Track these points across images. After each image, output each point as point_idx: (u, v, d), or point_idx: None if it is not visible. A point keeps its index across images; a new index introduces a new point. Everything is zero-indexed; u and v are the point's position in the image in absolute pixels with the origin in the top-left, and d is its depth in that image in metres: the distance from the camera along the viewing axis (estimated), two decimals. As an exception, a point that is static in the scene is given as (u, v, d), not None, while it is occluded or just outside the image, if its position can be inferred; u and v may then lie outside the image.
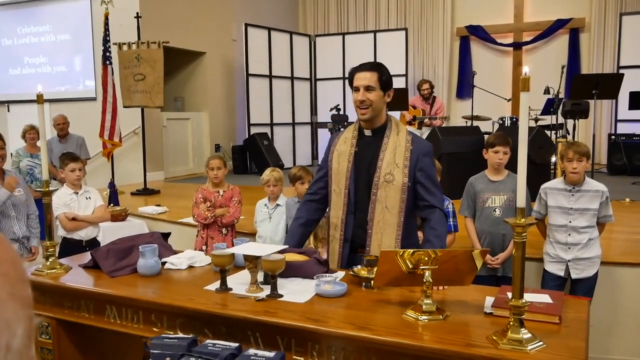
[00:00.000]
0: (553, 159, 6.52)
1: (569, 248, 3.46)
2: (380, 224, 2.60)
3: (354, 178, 2.69)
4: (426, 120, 8.64)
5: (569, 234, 3.45)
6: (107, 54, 7.41)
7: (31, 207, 4.09)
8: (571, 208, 3.44)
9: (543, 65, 9.74)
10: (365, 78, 2.63)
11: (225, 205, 4.38)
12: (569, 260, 3.47)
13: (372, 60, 10.08)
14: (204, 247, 4.36)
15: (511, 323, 1.78)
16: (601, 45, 9.89)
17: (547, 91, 7.50)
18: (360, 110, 2.65)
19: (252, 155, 9.86)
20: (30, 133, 6.62)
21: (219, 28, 10.08)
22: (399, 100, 7.82)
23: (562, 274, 3.50)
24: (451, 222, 3.80)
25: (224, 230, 4.39)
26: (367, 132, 2.73)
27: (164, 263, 2.66)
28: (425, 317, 1.95)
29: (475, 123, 8.25)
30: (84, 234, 4.28)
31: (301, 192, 4.16)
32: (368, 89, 2.62)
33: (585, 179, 3.49)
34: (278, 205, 4.32)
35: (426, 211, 2.64)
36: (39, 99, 2.68)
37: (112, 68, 7.42)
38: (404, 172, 2.58)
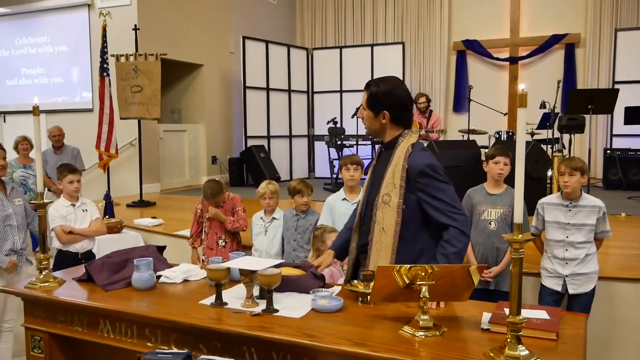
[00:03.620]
0: (549, 173, 6.53)
1: (567, 263, 3.46)
2: (377, 246, 2.50)
3: (369, 194, 2.63)
4: (422, 133, 8.66)
5: (566, 249, 3.45)
6: (105, 65, 7.42)
7: (29, 215, 4.08)
8: (568, 223, 3.44)
9: (539, 80, 9.79)
10: (362, 96, 2.61)
11: (226, 215, 4.37)
12: (566, 276, 3.46)
13: (369, 74, 10.21)
14: (203, 257, 4.35)
15: (508, 339, 1.77)
16: (596, 60, 9.96)
17: (543, 106, 7.53)
18: None
19: (248, 168, 9.85)
20: (23, 144, 6.61)
21: (217, 40, 10.11)
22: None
23: (559, 289, 3.49)
24: None
25: (221, 242, 4.38)
26: (383, 148, 2.66)
27: (158, 277, 2.64)
28: (422, 333, 1.94)
29: (472, 137, 8.27)
30: (79, 247, 4.26)
31: (299, 204, 4.15)
32: (363, 107, 2.61)
33: (582, 194, 3.49)
34: (274, 218, 4.31)
35: (441, 231, 2.44)
36: (35, 111, 2.68)
37: (109, 80, 7.43)
38: (399, 192, 2.45)
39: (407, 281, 2.02)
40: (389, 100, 2.51)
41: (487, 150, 4.26)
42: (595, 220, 3.43)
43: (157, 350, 2.06)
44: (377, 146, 8.80)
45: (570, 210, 3.45)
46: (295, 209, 4.21)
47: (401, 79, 10.23)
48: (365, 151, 9.11)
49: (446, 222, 2.41)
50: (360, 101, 2.64)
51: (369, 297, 2.23)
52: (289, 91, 10.79)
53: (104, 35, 7.47)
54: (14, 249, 3.86)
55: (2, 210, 3.83)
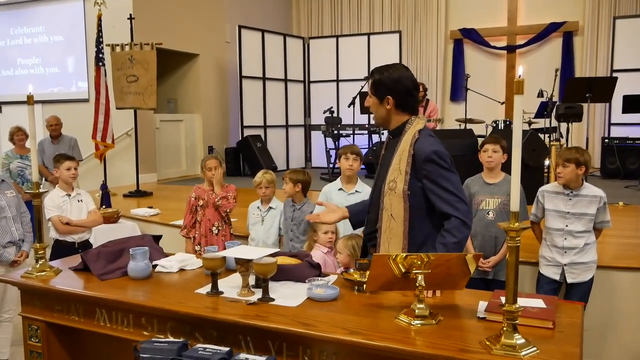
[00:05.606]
0: (546, 162, 6.52)
1: (565, 252, 3.45)
2: (387, 233, 2.50)
3: (375, 181, 2.66)
4: (420, 122, 8.62)
5: (565, 238, 3.44)
6: (100, 55, 7.37)
7: (22, 206, 4.05)
8: (568, 212, 3.43)
9: (537, 69, 9.76)
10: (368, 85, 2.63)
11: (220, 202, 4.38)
12: (565, 265, 3.45)
13: (366, 63, 10.18)
14: (197, 248, 4.33)
15: (505, 328, 1.76)
16: (595, 48, 9.92)
17: (540, 94, 7.51)
18: None
19: (245, 158, 9.84)
20: (18, 134, 6.59)
21: (213, 30, 10.05)
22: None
23: (557, 277, 3.49)
24: None
25: (214, 229, 4.36)
26: (390, 136, 2.67)
27: (154, 266, 2.64)
28: (418, 322, 1.93)
29: (469, 126, 8.26)
30: (76, 237, 4.26)
31: (291, 193, 4.14)
32: (369, 95, 2.62)
33: (583, 183, 3.48)
34: (271, 208, 4.30)
35: (442, 220, 2.45)
36: (29, 100, 2.66)
37: (105, 69, 7.38)
38: (405, 179, 2.45)
39: (403, 270, 2.01)
40: (393, 86, 2.51)
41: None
42: (595, 210, 3.42)
43: (153, 339, 2.06)
44: (374, 136, 8.79)
45: (570, 199, 3.45)
46: (292, 198, 4.20)
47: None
48: (362, 141, 9.09)
49: (448, 211, 2.40)
50: (357, 90, 2.65)
51: (364, 285, 2.22)
52: (285, 80, 10.75)
53: (99, 25, 7.41)
54: (13, 241, 3.85)
55: None
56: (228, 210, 4.39)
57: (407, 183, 2.45)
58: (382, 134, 8.53)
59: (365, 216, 2.79)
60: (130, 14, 7.66)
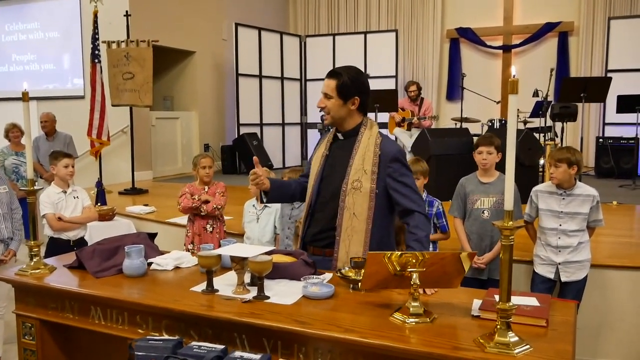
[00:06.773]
0: (541, 161, 6.55)
1: (560, 251, 3.47)
2: (348, 231, 2.54)
3: (322, 182, 2.67)
4: (415, 120, 8.65)
5: (559, 237, 3.46)
6: (96, 52, 7.36)
7: (14, 202, 4.03)
8: (562, 212, 3.45)
9: (532, 68, 9.79)
10: (325, 85, 2.61)
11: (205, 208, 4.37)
12: (559, 263, 3.47)
13: (362, 62, 10.18)
14: (190, 246, 4.33)
15: (498, 326, 1.77)
16: (590, 48, 9.96)
17: (535, 94, 7.54)
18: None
19: (241, 156, 9.83)
20: (13, 131, 6.57)
21: (209, 27, 10.04)
22: (388, 101, 7.83)
23: (552, 276, 3.51)
24: (444, 222, 3.82)
25: (209, 227, 4.36)
26: (340, 136, 2.69)
27: (150, 264, 2.63)
28: (413, 320, 1.94)
29: (465, 125, 8.29)
30: (71, 234, 4.24)
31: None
32: (326, 96, 2.61)
33: (576, 183, 3.50)
34: (266, 206, 4.29)
35: (405, 216, 2.57)
36: (24, 97, 2.65)
37: (100, 66, 7.38)
38: (371, 178, 2.52)
39: (398, 268, 2.02)
40: (359, 86, 2.60)
41: (479, 138, 4.26)
42: (588, 209, 3.44)
43: (148, 337, 2.06)
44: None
45: (564, 198, 3.46)
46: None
47: (394, 66, 10.19)
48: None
49: (412, 207, 2.53)
50: (322, 90, 2.64)
51: (359, 284, 2.23)
52: (282, 79, 10.75)
53: (95, 22, 7.41)
54: (1, 239, 3.83)
55: None
56: (216, 206, 4.33)
57: (375, 182, 2.53)
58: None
59: (283, 197, 2.94)
60: (127, 11, 7.65)
